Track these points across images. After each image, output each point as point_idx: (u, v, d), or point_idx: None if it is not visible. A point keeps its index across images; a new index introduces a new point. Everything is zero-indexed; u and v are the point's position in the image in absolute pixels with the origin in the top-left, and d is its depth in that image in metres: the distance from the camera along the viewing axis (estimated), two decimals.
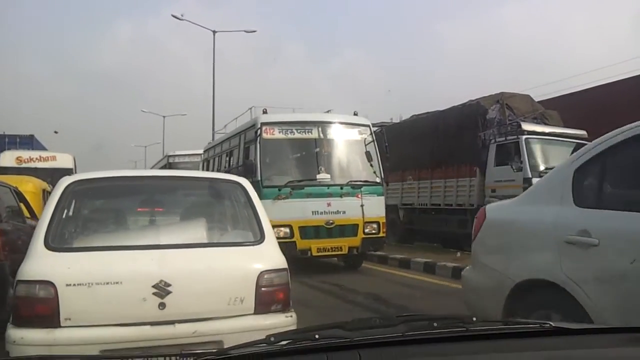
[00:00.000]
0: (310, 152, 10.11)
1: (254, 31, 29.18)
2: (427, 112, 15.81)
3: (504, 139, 12.19)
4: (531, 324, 1.80)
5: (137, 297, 3.35)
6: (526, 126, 12.18)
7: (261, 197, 7.82)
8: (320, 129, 10.14)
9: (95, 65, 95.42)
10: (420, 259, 10.84)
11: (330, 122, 10.36)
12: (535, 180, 11.23)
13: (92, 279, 3.32)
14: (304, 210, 9.48)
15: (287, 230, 9.39)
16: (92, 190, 4.16)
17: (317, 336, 1.50)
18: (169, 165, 20.86)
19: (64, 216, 3.76)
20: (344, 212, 9.69)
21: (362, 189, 9.88)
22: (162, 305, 3.34)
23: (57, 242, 3.55)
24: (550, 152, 11.88)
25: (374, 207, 10.00)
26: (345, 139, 10.31)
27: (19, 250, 4.35)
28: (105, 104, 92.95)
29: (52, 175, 13.08)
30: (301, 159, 10.32)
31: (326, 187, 9.68)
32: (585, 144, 12.71)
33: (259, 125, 9.88)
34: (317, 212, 9.56)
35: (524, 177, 11.41)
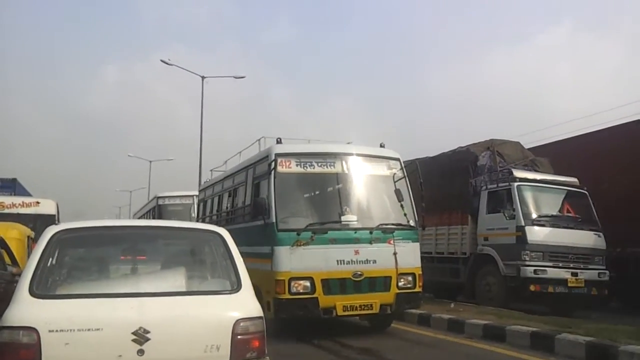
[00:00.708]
0: (333, 190, 8.55)
1: (243, 77, 29.88)
2: (417, 159, 15.85)
3: (495, 185, 12.22)
4: None
5: (117, 344, 3.51)
6: (518, 173, 12.25)
7: (275, 242, 7.78)
8: (344, 162, 8.56)
9: (81, 108, 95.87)
10: (413, 311, 9.59)
11: (355, 155, 8.77)
12: (528, 229, 11.32)
13: (74, 325, 3.48)
14: (327, 259, 7.84)
15: (307, 283, 7.74)
16: (76, 240, 4.35)
17: None
18: (158, 208, 19.86)
19: (48, 264, 3.93)
20: (374, 262, 8.07)
21: (394, 234, 8.28)
22: (140, 352, 3.50)
23: (41, 289, 3.71)
24: (542, 199, 11.98)
25: (409, 256, 8.38)
26: (372, 174, 8.78)
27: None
28: (91, 148, 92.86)
29: (35, 221, 13.16)
30: (322, 197, 8.83)
31: (353, 232, 8.06)
32: (579, 191, 12.66)
33: (273, 157, 8.23)
34: (343, 261, 7.91)
35: (517, 225, 11.48)
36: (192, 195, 18.20)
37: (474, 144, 13.84)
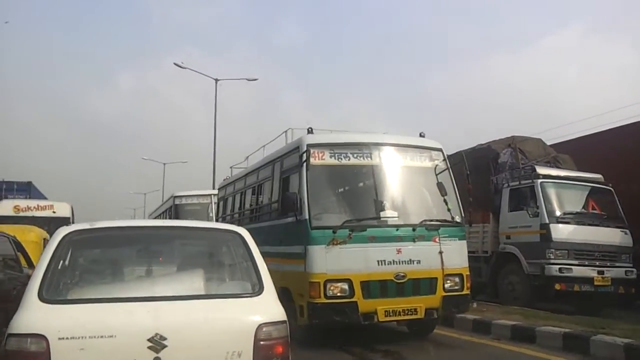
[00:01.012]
0: (370, 183, 7.73)
1: (256, 79, 29.82)
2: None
3: (517, 183, 11.91)
4: None
5: (132, 351, 3.29)
6: (541, 170, 11.94)
7: (309, 241, 7.08)
8: (381, 153, 7.77)
9: (96, 113, 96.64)
10: None
11: (394, 145, 7.99)
12: (553, 227, 10.91)
13: (86, 332, 3.26)
14: (367, 259, 7.12)
15: (345, 286, 7.01)
16: (89, 241, 4.13)
17: None
18: (175, 208, 18.62)
19: (59, 267, 3.71)
20: (418, 262, 7.31)
21: (439, 231, 7.52)
22: None
23: (51, 294, 3.49)
24: (567, 196, 11.63)
25: (456, 255, 7.61)
26: (413, 165, 8.00)
27: (13, 300, 4.30)
28: (105, 152, 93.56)
29: (50, 224, 13.37)
30: (358, 191, 8.04)
31: (394, 229, 7.31)
32: (604, 188, 12.19)
33: (304, 148, 7.45)
34: (384, 261, 7.17)
35: (541, 223, 11.17)
36: (210, 195, 17.48)
37: (495, 140, 13.51)
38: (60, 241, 3.77)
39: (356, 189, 8.10)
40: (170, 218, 18.07)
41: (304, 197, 7.28)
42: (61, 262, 3.74)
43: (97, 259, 4.34)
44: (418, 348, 7.52)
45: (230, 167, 13.34)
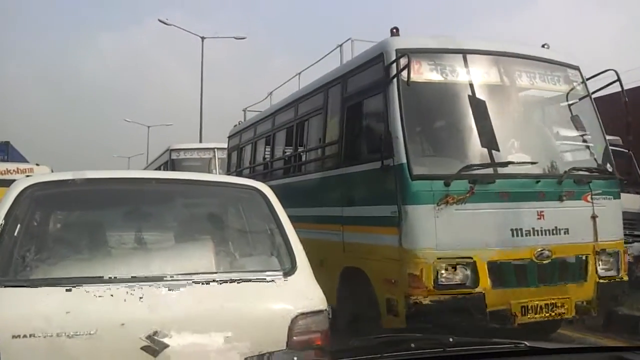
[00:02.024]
0: (492, 112, 4.93)
1: (244, 38, 28.61)
2: None
3: None
4: (506, 344, 1.80)
5: (118, 355, 2.33)
6: None
7: (407, 198, 4.58)
8: (508, 70, 5.18)
9: (78, 73, 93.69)
10: None
11: (524, 58, 5.35)
12: None
13: (53, 328, 2.31)
14: (497, 227, 4.73)
15: (467, 270, 4.58)
16: (58, 198, 3.05)
17: None
18: (172, 163, 15.57)
19: (15, 233, 2.66)
20: (566, 232, 4.89)
21: (591, 186, 5.08)
22: None
23: (3, 272, 2.50)
24: None
25: (611, 222, 5.22)
26: (547, 89, 5.52)
27: None
28: (87, 114, 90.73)
29: None
30: (475, 123, 4.89)
31: (534, 181, 4.87)
32: (622, 151, 10.95)
33: (393, 55, 4.82)
34: (521, 231, 4.75)
35: None
36: (214, 148, 14.75)
37: None
38: (17, 198, 2.71)
39: (470, 120, 4.95)
40: (164, 168, 15.32)
41: (396, 131, 4.68)
42: (18, 227, 2.68)
43: (69, 224, 3.25)
44: None
45: (244, 110, 10.48)
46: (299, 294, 2.71)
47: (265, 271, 2.83)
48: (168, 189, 3.36)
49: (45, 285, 2.48)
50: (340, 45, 6.82)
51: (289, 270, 2.80)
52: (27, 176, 3.10)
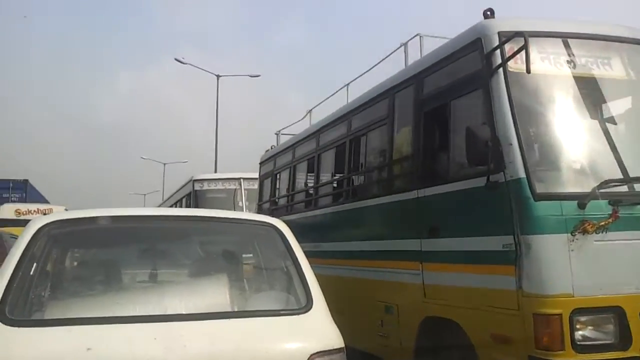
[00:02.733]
0: (631, 111, 4.14)
1: (258, 75, 28.68)
2: None
3: None
4: None
5: None
6: None
7: (531, 226, 3.43)
8: (628, 57, 4.08)
9: (95, 112, 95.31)
10: None
11: None
12: None
13: None
14: None
15: (614, 323, 3.38)
16: (73, 236, 3.06)
17: None
18: (195, 195, 14.19)
19: (31, 272, 2.65)
20: None
21: None
22: None
23: (19, 313, 2.50)
24: None
25: None
26: None
27: None
28: (103, 152, 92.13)
29: None
30: (612, 126, 3.94)
31: None
32: None
33: (495, 41, 3.78)
34: None
35: None
36: (239, 179, 13.72)
37: None
38: (34, 236, 2.71)
39: (603, 122, 3.90)
40: (188, 205, 14.16)
41: (508, 135, 3.59)
42: (34, 265, 2.67)
43: (85, 262, 3.28)
44: None
45: (277, 134, 9.28)
46: (316, 332, 2.64)
47: (281, 309, 2.79)
48: (183, 226, 3.33)
49: (60, 325, 2.45)
50: (405, 44, 5.66)
51: (305, 307, 2.75)
52: (45, 214, 3.11)
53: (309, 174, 7.36)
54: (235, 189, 13.59)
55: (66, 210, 17.21)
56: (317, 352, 2.52)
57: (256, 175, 11.86)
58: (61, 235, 2.94)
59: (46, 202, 28.53)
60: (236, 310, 2.79)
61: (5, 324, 2.36)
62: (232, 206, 13.15)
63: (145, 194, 54.95)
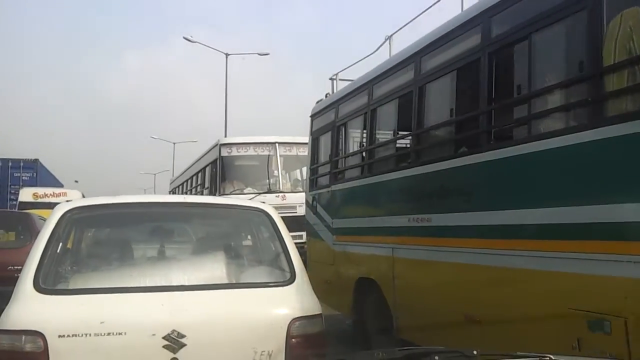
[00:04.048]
0: None
1: (267, 54, 28.33)
2: None
3: None
4: (532, 357, 1.67)
5: (145, 352, 2.79)
6: None
7: None
8: None
9: (106, 91, 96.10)
10: None
11: None
12: None
13: (90, 328, 2.76)
14: None
15: None
16: (93, 219, 3.58)
17: None
18: (222, 162, 11.65)
19: (58, 250, 3.16)
20: None
21: None
22: None
23: (49, 283, 2.99)
24: None
25: None
26: None
27: None
28: (114, 131, 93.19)
29: None
30: None
31: None
32: None
33: None
34: None
35: None
36: (274, 143, 11.44)
37: None
38: (60, 220, 3.21)
39: None
40: (213, 176, 12.04)
41: None
42: (60, 245, 3.18)
43: (102, 242, 3.80)
44: None
45: (332, 79, 7.26)
46: (297, 301, 3.14)
47: (268, 282, 3.30)
48: (187, 211, 3.90)
49: (83, 293, 2.98)
50: None
51: (289, 280, 3.24)
52: (67, 201, 3.62)
53: (401, 118, 5.16)
54: (269, 155, 11.41)
55: (83, 195, 18.37)
56: (298, 317, 3.02)
57: (293, 139, 11.43)
58: (82, 219, 3.45)
59: (57, 181, 29.28)
60: (231, 282, 3.29)
61: (38, 292, 2.87)
62: (265, 175, 11.49)
63: (155, 174, 55.54)
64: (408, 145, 5.23)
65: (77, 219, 3.37)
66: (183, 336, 2.79)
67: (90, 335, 2.73)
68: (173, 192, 19.87)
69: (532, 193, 3.47)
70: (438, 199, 4.40)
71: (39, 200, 18.55)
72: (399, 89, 5.17)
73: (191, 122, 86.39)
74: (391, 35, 6.14)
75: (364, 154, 6.01)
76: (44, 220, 7.94)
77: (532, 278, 3.41)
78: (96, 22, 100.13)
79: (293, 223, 10.22)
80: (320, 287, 6.08)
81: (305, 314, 3.06)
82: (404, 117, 5.01)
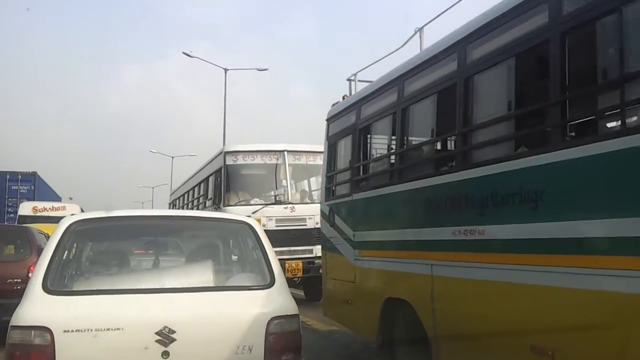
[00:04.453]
0: None
1: (266, 69, 28.19)
2: None
3: None
4: None
5: (139, 345, 3.17)
6: None
7: None
8: None
9: (104, 105, 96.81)
10: None
11: None
12: None
13: (92, 324, 3.15)
14: None
15: None
16: (94, 231, 4.01)
17: None
18: (227, 171, 10.89)
19: (64, 257, 3.60)
20: None
21: None
22: (165, 354, 3.16)
23: (56, 285, 3.39)
24: None
25: None
26: None
27: None
28: (113, 145, 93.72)
29: None
30: None
31: None
32: None
33: None
34: None
35: None
36: (283, 151, 10.76)
37: None
38: (65, 231, 3.64)
39: None
40: (217, 186, 11.22)
41: None
42: (66, 252, 3.62)
43: (103, 250, 4.24)
44: None
45: (351, 80, 6.65)
46: (276, 302, 3.54)
47: (251, 285, 3.71)
48: (178, 223, 4.37)
49: (86, 294, 3.40)
50: None
51: (269, 284, 3.65)
52: (72, 215, 4.06)
53: (442, 115, 4.45)
54: (277, 164, 10.73)
55: (82, 209, 18.96)
56: (276, 317, 3.42)
57: (302, 147, 10.93)
58: (84, 231, 3.87)
59: (56, 195, 29.63)
60: (217, 285, 3.71)
61: (47, 293, 3.27)
62: (273, 185, 10.81)
63: (153, 187, 55.89)
64: (452, 146, 4.68)
65: (80, 230, 3.79)
66: (173, 332, 3.17)
67: (91, 330, 3.12)
68: (173, 204, 19.27)
69: (628, 197, 2.71)
70: (494, 208, 3.60)
71: (39, 214, 19.19)
72: (438, 83, 4.44)
73: (190, 137, 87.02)
74: (422, 28, 5.44)
75: (394, 157, 5.20)
76: (44, 234, 8.31)
77: (631, 303, 2.60)
78: (94, 37, 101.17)
79: (302, 237, 10.18)
80: (339, 307, 6.01)
81: (282, 314, 3.46)
82: (446, 114, 4.28)
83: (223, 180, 10.81)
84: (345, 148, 6.27)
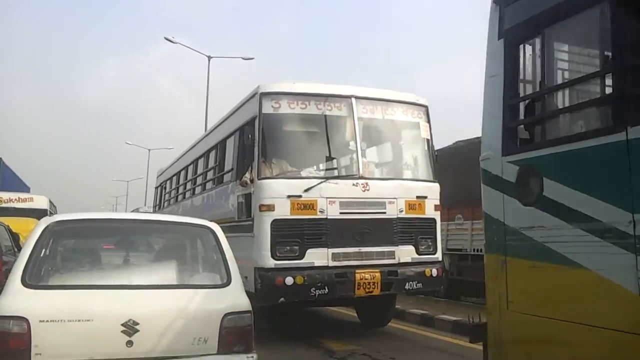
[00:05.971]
0: None
1: (252, 58, 26.29)
2: (472, 139, 10.98)
3: None
4: None
5: (107, 335, 3.57)
6: None
7: None
8: None
9: (80, 96, 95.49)
10: (415, 311, 8.98)
11: None
12: None
13: (65, 316, 3.54)
14: None
15: None
16: (70, 231, 4.43)
17: None
18: (264, 121, 7.04)
19: (42, 255, 3.99)
20: None
21: None
22: (129, 343, 3.57)
23: (33, 280, 3.77)
24: None
25: None
26: None
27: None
28: (87, 136, 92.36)
29: (29, 215, 14.67)
30: None
31: None
32: None
33: None
34: None
35: None
36: (349, 97, 7.30)
37: None
38: (43, 231, 4.06)
39: None
40: (246, 146, 7.30)
41: None
42: (43, 250, 4.02)
43: (77, 249, 4.65)
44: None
45: None
46: (231, 299, 4.00)
47: (209, 284, 4.17)
48: (147, 226, 4.85)
49: (60, 289, 3.83)
50: None
51: (226, 283, 4.12)
52: (51, 214, 4.49)
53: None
54: (341, 116, 7.31)
55: (50, 201, 18.91)
56: (229, 312, 3.87)
57: (378, 93, 7.38)
58: (61, 231, 4.28)
59: (24, 184, 29.24)
60: (179, 283, 4.17)
61: (25, 287, 3.67)
62: (334, 150, 7.40)
63: (128, 181, 54.96)
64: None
65: (57, 230, 4.21)
66: (137, 324, 3.58)
67: (64, 321, 3.51)
68: (161, 186, 15.78)
69: None
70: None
71: (3, 205, 18.30)
72: None
73: (167, 129, 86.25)
74: None
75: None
76: (4, 226, 8.62)
77: None
78: (73, 30, 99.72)
79: (380, 231, 6.69)
80: None
81: (236, 310, 3.91)
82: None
83: (258, 139, 7.02)
84: (574, 37, 3.42)
